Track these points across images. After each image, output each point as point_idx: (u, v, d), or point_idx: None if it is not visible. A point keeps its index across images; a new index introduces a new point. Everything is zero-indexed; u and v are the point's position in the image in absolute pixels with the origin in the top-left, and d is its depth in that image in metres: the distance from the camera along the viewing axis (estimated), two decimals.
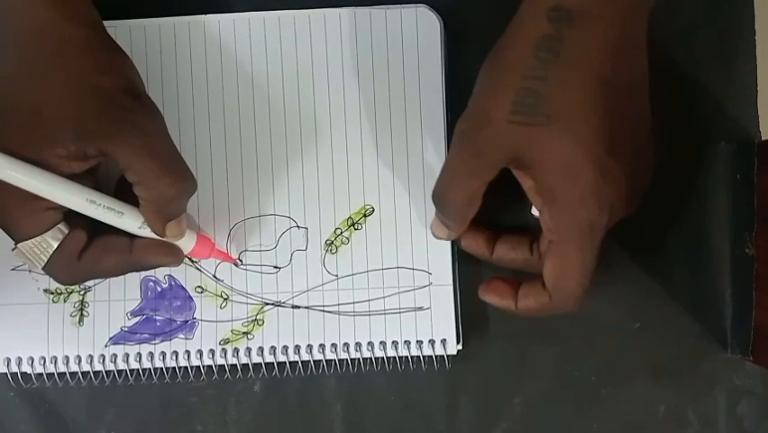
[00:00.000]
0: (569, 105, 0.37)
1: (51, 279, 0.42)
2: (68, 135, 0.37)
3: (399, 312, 0.46)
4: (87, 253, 0.40)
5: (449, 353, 0.46)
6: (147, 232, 0.41)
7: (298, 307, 0.46)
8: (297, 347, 0.46)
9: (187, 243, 0.43)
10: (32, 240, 0.39)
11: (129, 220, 0.41)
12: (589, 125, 0.37)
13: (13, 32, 0.38)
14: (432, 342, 0.46)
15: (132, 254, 0.41)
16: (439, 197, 0.41)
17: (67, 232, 0.40)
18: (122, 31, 0.46)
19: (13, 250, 0.40)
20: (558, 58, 0.36)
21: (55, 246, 0.39)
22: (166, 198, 0.39)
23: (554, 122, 0.37)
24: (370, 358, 0.46)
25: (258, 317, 0.46)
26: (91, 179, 0.40)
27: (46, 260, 0.39)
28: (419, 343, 0.46)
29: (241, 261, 0.46)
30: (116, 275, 0.42)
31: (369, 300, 0.46)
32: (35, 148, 0.37)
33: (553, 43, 0.36)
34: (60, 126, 0.37)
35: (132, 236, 0.41)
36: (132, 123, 0.38)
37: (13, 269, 0.47)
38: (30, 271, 0.47)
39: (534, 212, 0.40)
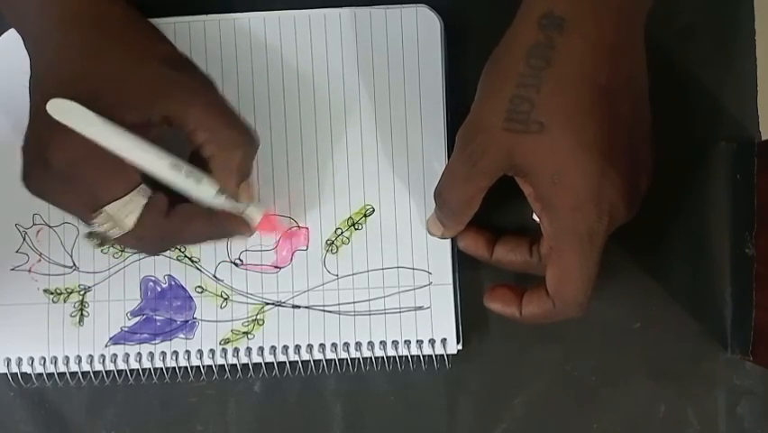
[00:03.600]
0: (562, 112, 0.37)
1: (134, 249, 0.41)
2: (136, 102, 0.38)
3: (399, 312, 0.46)
4: (174, 216, 0.40)
5: (449, 352, 0.46)
6: (220, 201, 0.41)
7: (299, 306, 0.46)
8: (298, 347, 0.46)
9: (255, 214, 0.43)
10: (119, 201, 0.39)
11: (206, 187, 0.40)
12: (584, 131, 0.37)
13: (61, 15, 0.39)
14: (432, 341, 0.46)
15: (214, 221, 0.41)
16: (438, 195, 0.42)
17: (150, 193, 0.40)
18: None
19: (90, 222, 0.39)
20: (550, 65, 0.36)
21: (142, 205, 0.39)
22: (237, 152, 0.40)
23: (548, 129, 0.37)
24: (370, 358, 0.46)
25: (258, 316, 0.46)
26: None
27: (135, 220, 0.39)
28: (419, 342, 0.46)
29: (240, 260, 0.46)
30: (198, 242, 0.43)
31: (369, 300, 0.46)
32: (108, 113, 0.38)
33: (545, 51, 0.37)
34: (129, 94, 0.38)
35: (206, 208, 0.41)
36: (196, 83, 0.40)
37: (12, 269, 0.47)
38: (29, 270, 0.47)
39: (535, 217, 0.40)
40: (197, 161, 0.41)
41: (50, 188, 0.39)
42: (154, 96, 0.38)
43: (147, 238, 0.40)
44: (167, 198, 0.40)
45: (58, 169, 0.38)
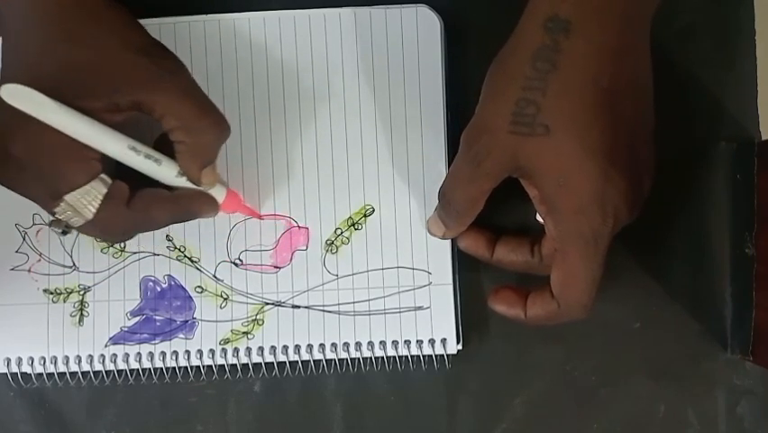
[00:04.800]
0: (567, 116, 0.37)
1: (97, 237, 0.42)
2: (105, 87, 0.38)
3: (399, 312, 0.46)
4: (135, 203, 0.41)
5: (449, 352, 0.46)
6: (182, 181, 0.42)
7: (298, 306, 0.46)
8: (297, 347, 0.46)
9: (218, 195, 0.43)
10: (79, 190, 0.39)
11: (167, 169, 0.41)
12: (589, 134, 0.37)
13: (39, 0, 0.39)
14: (432, 341, 0.46)
15: (177, 203, 0.42)
16: (443, 196, 0.42)
17: (110, 182, 0.40)
18: None
19: (52, 210, 0.39)
20: (556, 68, 0.37)
21: (103, 193, 0.39)
22: (205, 139, 0.40)
23: (554, 132, 0.37)
24: (370, 358, 0.46)
25: (258, 316, 0.46)
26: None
27: (95, 209, 0.39)
28: (419, 342, 0.46)
29: (240, 260, 0.46)
30: (162, 226, 0.43)
31: (369, 300, 0.46)
32: (75, 101, 0.38)
33: (551, 54, 0.37)
34: (97, 79, 0.38)
35: (169, 189, 0.42)
36: (166, 69, 0.39)
37: (12, 269, 0.47)
38: (29, 270, 0.47)
39: (539, 219, 0.41)
40: (162, 144, 0.41)
41: (11, 176, 0.39)
42: (121, 82, 0.38)
43: (109, 227, 0.41)
44: (127, 187, 0.40)
45: (17, 157, 0.38)
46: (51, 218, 0.40)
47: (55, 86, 0.38)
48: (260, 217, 0.46)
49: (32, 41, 0.39)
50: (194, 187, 0.42)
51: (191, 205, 0.42)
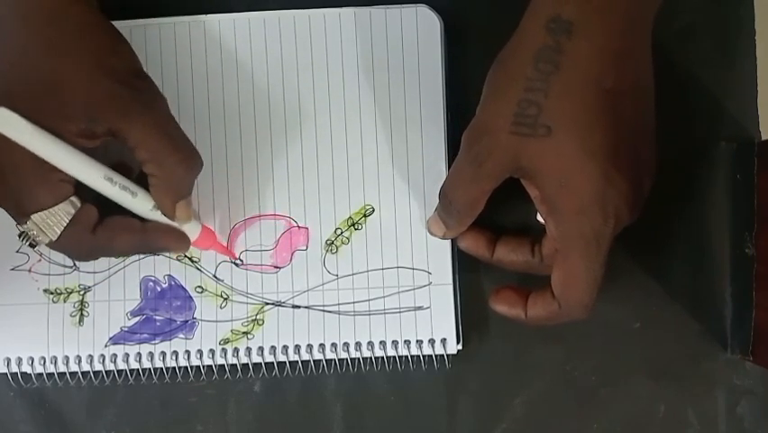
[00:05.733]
0: (569, 117, 0.37)
1: (63, 254, 0.41)
2: (81, 112, 0.38)
3: (399, 312, 0.46)
4: (101, 230, 0.40)
5: (449, 352, 0.46)
6: (157, 215, 0.42)
7: (298, 306, 0.46)
8: (297, 347, 0.46)
9: (192, 230, 0.43)
10: (46, 211, 0.39)
11: (142, 201, 0.41)
12: (591, 136, 0.37)
13: (31, 8, 0.38)
14: (432, 341, 0.46)
15: (145, 235, 0.42)
16: (444, 196, 0.42)
17: (79, 205, 0.40)
18: (122, 31, 0.46)
19: (21, 225, 0.39)
20: (558, 69, 0.37)
21: (69, 217, 0.39)
22: (176, 174, 0.40)
23: (555, 133, 0.37)
24: (370, 358, 0.46)
25: (258, 316, 0.46)
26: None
27: (60, 232, 0.39)
28: (419, 342, 0.46)
29: (241, 260, 0.46)
30: (127, 255, 0.43)
31: (369, 300, 0.46)
32: (50, 121, 0.38)
33: (553, 55, 0.37)
34: (74, 103, 0.38)
35: (141, 220, 0.42)
36: (143, 102, 0.39)
37: (12, 269, 0.47)
38: (29, 270, 0.47)
39: (539, 219, 0.41)
40: (142, 174, 0.41)
41: None
42: (98, 109, 0.38)
43: (73, 249, 0.41)
44: (96, 212, 0.40)
45: None
46: (19, 230, 0.40)
47: (31, 104, 0.37)
48: (234, 257, 0.46)
49: (10, 55, 0.38)
50: (167, 221, 0.42)
51: (160, 239, 0.42)
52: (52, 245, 0.40)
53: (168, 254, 0.46)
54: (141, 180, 0.41)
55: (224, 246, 0.46)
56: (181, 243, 0.43)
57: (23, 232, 0.40)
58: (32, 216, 0.39)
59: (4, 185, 0.39)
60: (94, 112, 0.38)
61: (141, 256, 0.46)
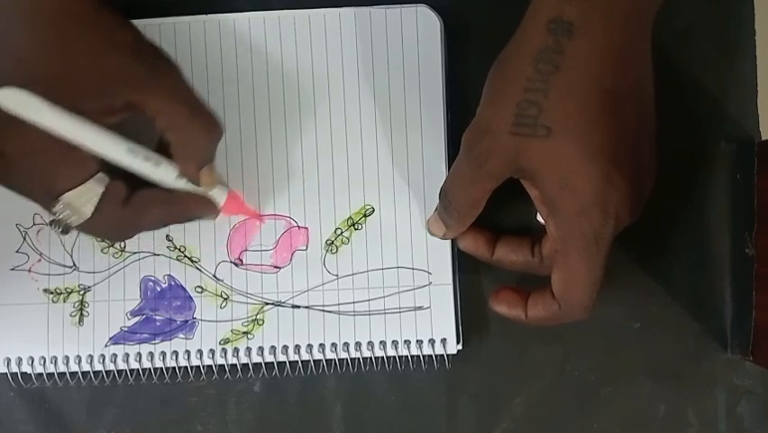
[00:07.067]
0: (570, 118, 0.37)
1: (96, 237, 0.42)
2: (97, 89, 0.38)
3: (399, 312, 0.46)
4: (132, 204, 0.41)
5: (449, 352, 0.46)
6: (182, 183, 0.41)
7: (298, 306, 0.46)
8: (297, 347, 0.46)
9: (219, 196, 0.43)
10: (75, 190, 0.39)
11: (165, 170, 0.41)
12: (591, 136, 0.37)
13: (28, 3, 0.39)
14: (432, 341, 0.46)
15: (173, 206, 0.42)
16: (444, 196, 0.42)
17: (107, 181, 0.40)
18: None
19: (51, 210, 0.39)
20: (558, 70, 0.37)
21: (100, 193, 0.39)
22: (197, 139, 0.40)
23: (555, 134, 0.37)
24: (370, 358, 0.46)
25: (258, 316, 0.46)
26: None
27: (92, 209, 0.39)
28: (419, 342, 0.46)
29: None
30: (160, 227, 0.43)
31: (369, 300, 0.46)
32: (68, 103, 0.38)
33: (554, 56, 0.37)
34: (89, 81, 0.38)
35: (168, 191, 0.42)
36: (157, 71, 0.39)
37: (12, 269, 0.47)
38: (29, 270, 0.47)
39: (539, 219, 0.41)
40: (162, 145, 0.41)
41: (9, 177, 0.39)
42: (113, 84, 0.38)
43: (107, 226, 0.41)
44: (125, 186, 0.40)
45: (12, 157, 0.38)
46: (51, 218, 0.40)
47: (48, 87, 0.38)
48: (260, 218, 0.46)
49: (23, 41, 0.38)
50: (193, 189, 0.42)
51: (189, 206, 0.42)
52: (85, 226, 0.40)
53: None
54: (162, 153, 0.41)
55: (251, 209, 0.46)
56: (209, 209, 0.43)
57: (54, 219, 0.40)
58: (61, 198, 0.39)
59: (28, 173, 0.39)
60: (110, 86, 0.38)
61: (141, 256, 0.46)
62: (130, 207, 0.41)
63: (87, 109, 0.38)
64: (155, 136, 0.41)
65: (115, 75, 0.38)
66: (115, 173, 0.40)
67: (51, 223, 0.40)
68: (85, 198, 0.39)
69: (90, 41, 0.38)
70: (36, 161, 0.39)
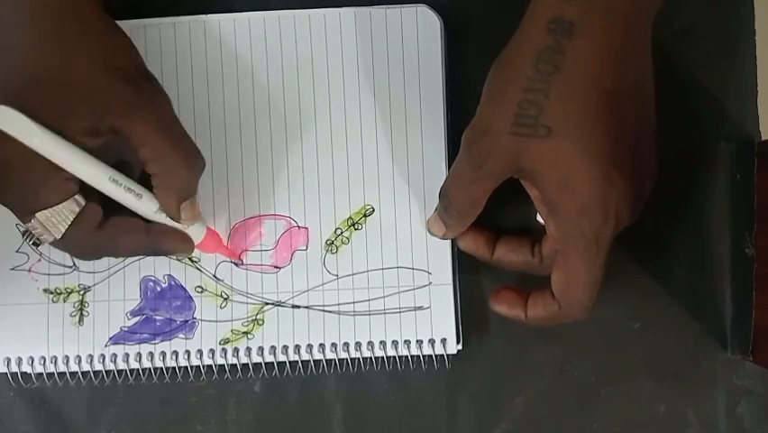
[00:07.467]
0: (570, 118, 0.37)
1: (67, 253, 0.41)
2: (85, 109, 0.38)
3: (399, 312, 0.46)
4: (105, 229, 0.40)
5: (449, 352, 0.46)
6: (162, 218, 0.41)
7: (298, 306, 0.46)
8: (297, 347, 0.46)
9: (197, 233, 0.43)
10: (51, 209, 0.39)
11: (146, 203, 0.41)
12: (591, 137, 0.37)
13: (37, 7, 0.39)
14: (432, 341, 0.46)
15: (149, 237, 0.42)
16: (444, 196, 0.42)
17: (83, 204, 0.40)
18: None
19: (25, 223, 0.39)
20: (559, 70, 0.37)
21: (74, 215, 0.39)
22: (179, 173, 0.40)
23: (555, 134, 0.37)
24: (370, 358, 0.46)
25: (258, 316, 0.46)
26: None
27: (64, 230, 0.39)
28: (419, 342, 0.46)
29: (241, 260, 0.46)
30: (131, 255, 0.43)
31: (369, 300, 0.46)
32: (55, 119, 0.38)
33: (554, 56, 0.37)
34: (79, 100, 0.38)
35: (146, 221, 0.42)
36: (147, 100, 0.39)
37: (12, 269, 0.47)
38: (29, 270, 0.47)
39: (539, 219, 0.41)
40: (146, 175, 0.41)
41: None
42: (102, 107, 0.38)
43: (78, 246, 0.41)
44: (100, 210, 0.40)
45: None
46: (23, 228, 0.40)
47: (37, 98, 0.37)
48: (239, 260, 0.46)
49: (19, 47, 0.38)
50: (172, 223, 0.42)
51: (164, 241, 0.42)
52: (56, 244, 0.40)
53: (171, 257, 0.46)
54: (144, 182, 0.41)
55: (228, 249, 0.46)
56: (186, 245, 0.43)
57: (27, 230, 0.40)
58: (36, 215, 0.39)
59: (8, 183, 0.39)
60: (98, 109, 0.38)
61: (141, 256, 0.46)
62: (103, 233, 0.40)
63: (72, 127, 0.38)
64: (138, 164, 0.41)
65: (105, 98, 0.38)
66: (93, 193, 0.40)
67: (24, 234, 0.40)
68: (59, 219, 0.39)
69: (83, 58, 0.38)
70: (14, 176, 0.38)
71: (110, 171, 0.40)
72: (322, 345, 0.46)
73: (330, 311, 0.46)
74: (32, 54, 0.38)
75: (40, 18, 0.38)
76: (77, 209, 0.39)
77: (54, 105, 0.38)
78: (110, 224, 0.41)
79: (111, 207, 0.41)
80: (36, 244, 0.40)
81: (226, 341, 0.46)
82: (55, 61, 0.38)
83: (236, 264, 0.46)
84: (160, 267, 0.47)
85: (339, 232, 0.46)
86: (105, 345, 0.46)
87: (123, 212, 0.41)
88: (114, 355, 0.46)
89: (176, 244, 0.42)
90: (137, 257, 0.46)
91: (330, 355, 0.46)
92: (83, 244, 0.41)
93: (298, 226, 0.47)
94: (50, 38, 0.38)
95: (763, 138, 0.47)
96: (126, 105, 0.38)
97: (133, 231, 0.41)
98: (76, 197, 0.39)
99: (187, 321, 0.46)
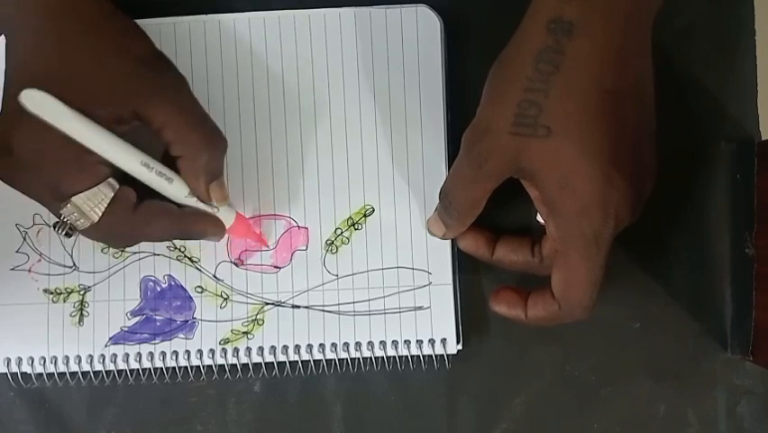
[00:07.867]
0: (570, 118, 0.37)
1: (99, 241, 0.42)
2: (106, 97, 0.38)
3: (399, 312, 0.46)
4: (140, 212, 0.41)
5: (449, 352, 0.46)
6: (192, 201, 0.42)
7: (298, 306, 0.46)
8: (297, 347, 0.46)
9: (227, 216, 0.43)
10: (86, 192, 0.39)
11: (178, 187, 0.41)
12: (591, 137, 0.37)
13: (38, 2, 0.39)
14: (432, 341, 0.46)
15: (182, 221, 0.42)
16: (444, 196, 0.42)
17: (117, 187, 0.40)
18: None
19: (59, 211, 0.39)
20: (559, 70, 0.37)
21: (109, 198, 0.39)
22: (202, 153, 0.40)
23: (556, 134, 0.37)
24: (370, 358, 0.46)
25: (258, 316, 0.46)
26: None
27: (101, 213, 0.39)
28: (419, 342, 0.46)
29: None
30: (163, 239, 0.44)
31: (369, 300, 0.46)
32: (75, 107, 0.38)
33: (554, 56, 0.37)
34: (99, 89, 0.38)
35: (177, 205, 0.42)
36: (165, 83, 0.40)
37: (12, 269, 0.47)
38: (29, 270, 0.47)
39: (539, 219, 0.41)
40: (169, 159, 0.41)
41: (16, 175, 0.39)
42: (123, 94, 0.39)
43: (113, 231, 0.41)
44: (135, 193, 0.40)
45: (22, 158, 0.38)
46: (55, 220, 0.40)
47: (60, 90, 0.38)
48: (266, 244, 0.46)
49: (33, 41, 0.38)
50: (203, 207, 0.42)
51: (196, 224, 0.42)
52: (90, 230, 0.40)
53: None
54: (169, 167, 0.41)
55: (257, 234, 0.46)
56: (217, 228, 0.43)
57: (60, 221, 0.40)
58: (71, 199, 0.39)
59: (39, 173, 0.39)
60: (119, 96, 0.38)
61: (141, 256, 0.46)
62: (137, 215, 0.40)
63: (98, 115, 0.38)
64: (160, 148, 0.41)
65: (124, 84, 0.39)
66: (124, 179, 0.40)
67: (56, 225, 0.40)
68: (94, 202, 0.39)
69: (102, 46, 0.39)
70: (46, 162, 0.38)
71: (142, 155, 0.40)
72: (322, 345, 0.46)
73: (330, 311, 0.46)
74: (43, 50, 0.38)
75: (48, 13, 0.39)
76: (112, 193, 0.39)
77: (77, 96, 0.38)
78: (143, 207, 0.41)
79: (141, 192, 0.41)
80: (68, 235, 0.40)
81: (226, 341, 0.46)
82: (67, 54, 0.38)
83: (236, 265, 0.46)
84: (159, 267, 0.47)
85: (339, 232, 0.46)
86: (105, 346, 0.46)
87: (154, 196, 0.41)
88: (114, 355, 0.46)
89: (207, 226, 0.43)
90: (137, 256, 0.46)
91: (330, 355, 0.46)
92: (118, 228, 0.41)
93: (298, 226, 0.47)
94: (59, 32, 0.38)
95: (763, 138, 0.47)
96: (144, 89, 0.39)
97: (166, 214, 0.41)
98: (109, 180, 0.39)
99: (187, 321, 0.46)
